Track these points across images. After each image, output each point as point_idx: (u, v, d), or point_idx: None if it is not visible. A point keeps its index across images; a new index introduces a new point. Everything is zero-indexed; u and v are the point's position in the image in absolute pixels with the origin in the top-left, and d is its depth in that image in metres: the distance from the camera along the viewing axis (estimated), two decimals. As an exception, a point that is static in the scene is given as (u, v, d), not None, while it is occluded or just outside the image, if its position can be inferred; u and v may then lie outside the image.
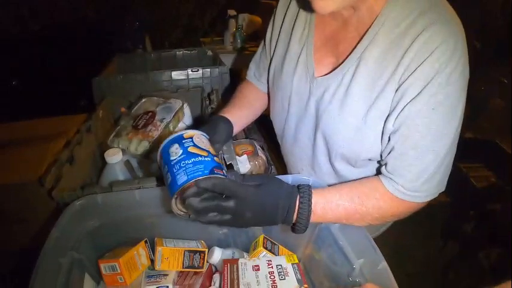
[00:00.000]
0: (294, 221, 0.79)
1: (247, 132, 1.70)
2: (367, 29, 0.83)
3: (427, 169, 0.80)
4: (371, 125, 0.85)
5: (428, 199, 0.84)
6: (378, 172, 0.95)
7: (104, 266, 0.87)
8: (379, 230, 1.24)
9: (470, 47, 0.78)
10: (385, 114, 0.83)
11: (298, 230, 0.79)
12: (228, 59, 2.47)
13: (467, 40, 0.77)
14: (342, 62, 0.89)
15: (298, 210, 0.78)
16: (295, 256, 0.92)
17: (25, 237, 1.37)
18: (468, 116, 0.82)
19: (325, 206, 0.82)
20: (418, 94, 0.76)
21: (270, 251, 0.94)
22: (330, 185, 0.90)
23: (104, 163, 1.18)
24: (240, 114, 1.13)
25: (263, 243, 0.95)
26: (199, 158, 0.72)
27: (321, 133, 0.96)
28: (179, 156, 0.73)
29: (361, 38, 0.84)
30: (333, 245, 0.86)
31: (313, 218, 0.80)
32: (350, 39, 0.89)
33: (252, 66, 1.25)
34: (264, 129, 1.72)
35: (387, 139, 0.84)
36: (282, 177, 0.93)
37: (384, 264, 0.74)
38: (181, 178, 0.69)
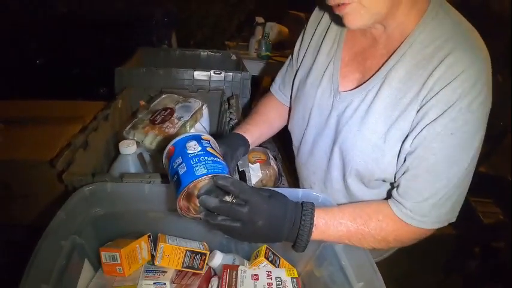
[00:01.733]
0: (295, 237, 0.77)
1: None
2: (396, 48, 0.84)
3: (437, 194, 0.79)
4: (390, 145, 0.85)
5: (435, 227, 0.83)
6: (389, 195, 0.95)
7: (104, 255, 0.87)
8: (382, 256, 1.23)
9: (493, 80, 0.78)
10: (403, 134, 0.83)
11: (298, 246, 0.77)
12: (251, 66, 2.47)
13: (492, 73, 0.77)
14: (368, 79, 0.89)
15: (300, 225, 0.76)
16: (295, 270, 0.91)
17: (28, 214, 1.38)
18: (483, 150, 0.82)
19: (328, 222, 0.81)
20: (438, 117, 0.76)
21: (271, 262, 0.93)
22: (338, 204, 0.90)
23: (117, 153, 1.19)
24: (258, 133, 1.14)
25: (265, 253, 0.94)
26: (218, 159, 0.72)
27: (339, 148, 0.96)
28: (198, 152, 0.72)
29: (389, 57, 0.85)
30: (335, 264, 0.85)
31: (314, 234, 0.78)
32: (378, 57, 0.90)
33: (278, 78, 1.26)
34: (278, 139, 1.72)
35: (403, 160, 0.84)
36: (292, 190, 0.93)
37: (384, 291, 0.73)
38: (200, 170, 0.68)
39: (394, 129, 0.84)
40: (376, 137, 0.87)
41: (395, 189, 0.85)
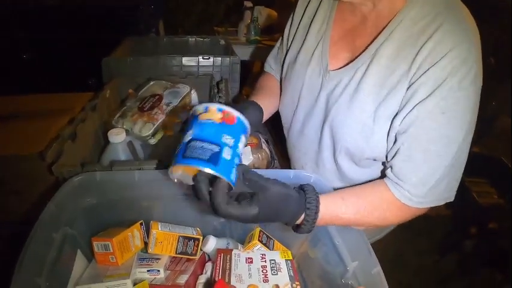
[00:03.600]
0: (299, 223, 0.76)
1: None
2: (385, 26, 0.83)
3: (433, 174, 0.79)
4: (379, 123, 0.85)
5: (434, 205, 0.83)
6: (382, 174, 0.95)
7: (96, 244, 0.87)
8: (375, 237, 1.23)
9: (484, 63, 0.77)
10: (393, 112, 0.82)
11: (302, 231, 0.76)
12: (240, 50, 2.45)
13: (484, 56, 0.77)
14: (357, 57, 0.89)
15: (303, 220, 0.74)
16: (289, 252, 0.91)
17: (20, 209, 1.37)
18: (476, 131, 0.81)
19: (331, 215, 0.79)
20: (428, 95, 0.75)
21: (265, 244, 0.93)
22: (335, 189, 0.90)
23: (107, 143, 1.18)
24: (268, 102, 1.13)
25: (259, 236, 0.94)
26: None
27: (329, 126, 0.96)
28: (238, 153, 0.68)
29: (378, 34, 0.84)
30: (329, 244, 0.85)
31: (321, 221, 0.77)
32: (367, 35, 0.89)
33: (270, 59, 1.26)
34: (270, 123, 1.71)
35: (393, 138, 0.83)
36: (283, 171, 0.93)
37: (378, 269, 0.73)
38: (233, 175, 0.65)
39: (383, 108, 0.83)
40: (366, 115, 0.86)
41: (389, 170, 0.85)
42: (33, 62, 2.87)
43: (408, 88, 0.79)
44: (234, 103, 1.16)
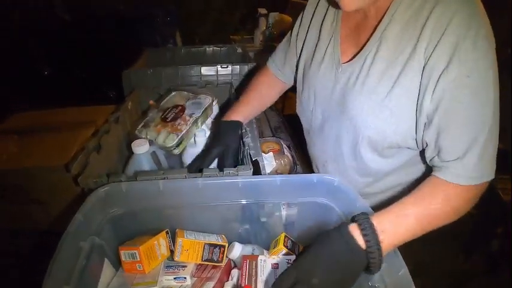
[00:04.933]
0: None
1: (275, 131, 1.69)
2: (385, 13, 0.86)
3: (477, 142, 0.77)
4: (396, 103, 0.85)
5: (485, 179, 0.80)
6: (406, 163, 0.97)
7: (123, 253, 0.88)
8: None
9: (504, 53, 0.77)
10: (410, 92, 0.83)
11: (374, 268, 0.70)
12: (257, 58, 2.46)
13: (502, 47, 0.76)
14: (364, 46, 0.91)
15: (366, 246, 0.69)
16: None
17: (45, 219, 1.40)
18: (500, 126, 0.80)
19: (393, 221, 0.74)
20: (448, 64, 0.75)
21: (290, 249, 0.93)
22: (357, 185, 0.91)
23: (131, 153, 1.19)
24: (248, 111, 1.24)
25: (284, 241, 0.94)
26: None
27: (347, 119, 0.97)
28: None
29: (380, 20, 0.87)
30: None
31: (385, 245, 0.70)
32: (370, 28, 0.92)
33: (275, 54, 1.31)
34: (291, 128, 1.71)
35: (424, 121, 0.83)
36: (307, 176, 0.93)
37: (404, 271, 0.72)
38: None
39: (397, 87, 0.84)
40: (381, 98, 0.87)
41: (434, 156, 0.83)
42: (54, 78, 2.94)
43: (425, 66, 0.79)
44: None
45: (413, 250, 1.24)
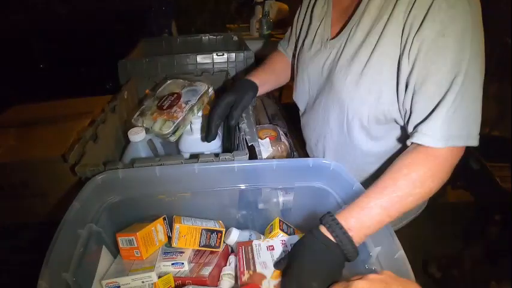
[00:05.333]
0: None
1: (271, 118, 1.69)
2: None
3: (445, 103, 0.76)
4: (375, 70, 0.86)
5: (455, 144, 0.78)
6: (395, 145, 0.98)
7: (121, 240, 0.88)
8: (397, 226, 1.22)
9: (502, 44, 0.77)
10: (390, 57, 0.83)
11: (351, 257, 0.72)
12: (253, 45, 2.45)
13: (500, 37, 0.76)
14: (349, 20, 0.94)
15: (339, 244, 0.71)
16: None
17: (45, 210, 1.40)
18: (496, 114, 0.80)
19: (360, 214, 0.74)
20: (421, 24, 0.75)
21: (286, 233, 0.93)
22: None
23: (127, 142, 1.19)
24: (265, 78, 1.20)
25: (279, 225, 0.94)
26: None
27: (334, 93, 0.98)
28: None
29: None
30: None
31: (355, 237, 0.72)
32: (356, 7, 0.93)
33: (284, 40, 1.36)
34: (288, 116, 1.71)
35: (403, 87, 0.83)
36: (302, 160, 0.93)
37: (401, 253, 0.72)
38: None
39: (376, 54, 0.85)
40: (361, 67, 0.89)
41: (411, 126, 0.83)
42: (50, 70, 2.93)
43: (404, 27, 0.80)
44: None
45: (416, 231, 1.25)
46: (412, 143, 0.82)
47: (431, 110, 0.77)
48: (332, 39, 1.00)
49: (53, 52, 2.92)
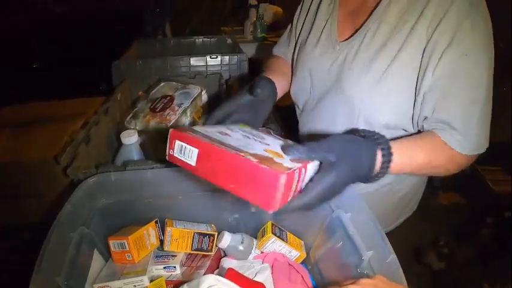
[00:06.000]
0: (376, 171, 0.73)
1: (265, 121, 1.69)
2: None
3: (471, 118, 0.81)
4: (394, 80, 0.87)
5: (476, 152, 0.84)
6: None
7: (113, 243, 0.88)
8: (389, 227, 1.23)
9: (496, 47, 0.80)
10: (409, 69, 0.84)
11: (380, 175, 0.74)
12: (247, 49, 2.45)
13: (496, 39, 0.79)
14: (364, 23, 0.92)
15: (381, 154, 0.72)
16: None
17: (39, 212, 1.40)
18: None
19: (406, 161, 0.79)
20: (449, 44, 0.78)
21: (278, 237, 0.93)
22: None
23: (120, 145, 1.19)
24: (282, 79, 1.13)
25: (272, 229, 0.94)
26: None
27: (343, 97, 0.97)
28: None
29: (379, 2, 0.88)
30: (343, 234, 0.85)
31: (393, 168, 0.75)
32: (368, 10, 0.92)
33: (279, 44, 1.30)
34: (281, 119, 1.71)
35: (421, 100, 0.85)
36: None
37: (393, 257, 0.72)
38: None
39: (395, 65, 0.85)
40: (379, 74, 0.88)
41: (432, 123, 0.85)
42: (44, 70, 2.91)
43: (428, 43, 0.81)
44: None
45: (409, 232, 1.25)
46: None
47: (460, 124, 0.81)
48: (342, 41, 0.98)
49: (47, 52, 2.91)
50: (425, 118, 0.85)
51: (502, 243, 2.40)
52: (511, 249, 2.26)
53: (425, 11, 0.80)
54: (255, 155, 0.56)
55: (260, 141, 0.68)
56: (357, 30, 0.94)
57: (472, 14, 0.77)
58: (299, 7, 1.19)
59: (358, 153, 0.68)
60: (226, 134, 0.66)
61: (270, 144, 0.67)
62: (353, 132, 0.77)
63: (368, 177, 0.72)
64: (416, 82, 0.85)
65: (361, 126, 0.96)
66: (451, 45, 0.78)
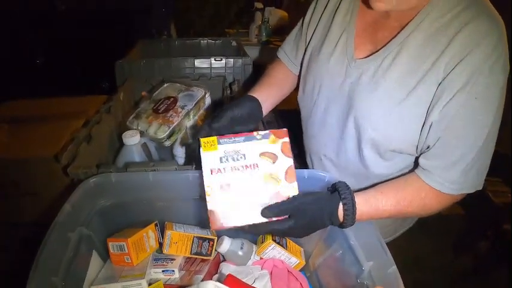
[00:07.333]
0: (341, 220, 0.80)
1: (267, 125, 1.69)
2: (411, 19, 0.85)
3: (465, 158, 0.81)
4: (408, 111, 0.86)
5: (466, 191, 0.85)
6: (404, 167, 0.99)
7: (112, 245, 0.87)
8: (389, 238, 1.22)
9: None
10: (423, 102, 0.83)
11: (345, 225, 0.80)
12: (252, 52, 2.45)
13: None
14: (382, 47, 0.90)
15: (344, 215, 0.79)
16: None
17: (36, 210, 1.39)
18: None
19: (373, 211, 0.84)
20: (465, 85, 0.77)
21: (278, 243, 0.93)
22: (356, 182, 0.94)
23: (122, 145, 1.18)
24: (268, 93, 1.12)
25: (272, 235, 0.94)
26: None
27: (353, 116, 0.95)
28: None
29: (405, 26, 0.86)
30: (344, 244, 0.84)
31: (361, 218, 0.81)
32: (390, 29, 0.90)
33: (285, 45, 1.24)
34: (283, 123, 1.70)
35: (427, 129, 0.85)
36: (298, 171, 0.92)
37: (393, 269, 0.72)
38: None
39: (412, 96, 0.84)
40: (394, 104, 0.87)
41: (422, 159, 0.87)
42: (47, 67, 2.91)
43: (443, 80, 0.80)
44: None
45: (409, 242, 1.25)
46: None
47: (451, 161, 0.82)
48: (359, 59, 0.95)
49: (50, 49, 2.91)
50: (428, 147, 0.86)
51: (502, 255, 2.39)
52: (510, 261, 2.26)
53: (448, 50, 0.79)
54: None
55: None
56: (376, 49, 0.92)
57: (493, 57, 0.75)
58: (309, 12, 1.14)
59: (318, 213, 0.77)
60: None
61: None
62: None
63: (334, 225, 0.80)
64: (426, 114, 0.84)
65: (367, 148, 0.96)
66: (464, 88, 0.77)
